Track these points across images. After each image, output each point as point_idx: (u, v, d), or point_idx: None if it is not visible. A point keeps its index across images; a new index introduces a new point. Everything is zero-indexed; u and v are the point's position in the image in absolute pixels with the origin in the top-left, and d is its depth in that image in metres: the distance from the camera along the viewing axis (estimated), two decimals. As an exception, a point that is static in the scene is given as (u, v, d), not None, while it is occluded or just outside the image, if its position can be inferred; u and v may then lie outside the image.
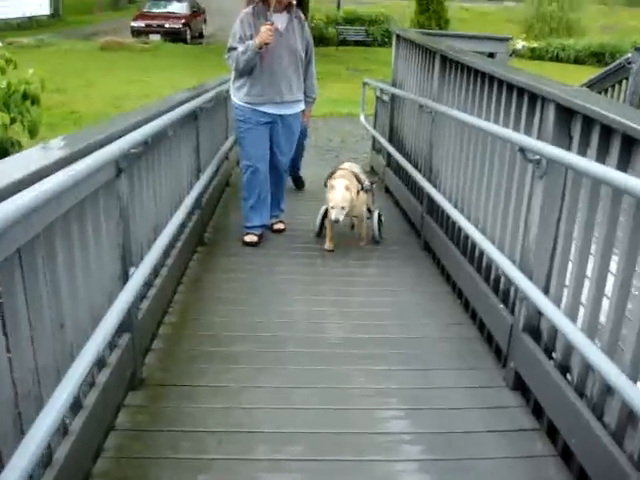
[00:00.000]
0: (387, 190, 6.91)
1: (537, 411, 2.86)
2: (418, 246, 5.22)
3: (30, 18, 27.91)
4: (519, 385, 3.05)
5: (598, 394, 2.36)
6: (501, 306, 3.29)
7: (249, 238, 5.12)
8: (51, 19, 30.65)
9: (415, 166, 5.45)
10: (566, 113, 2.60)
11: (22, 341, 1.86)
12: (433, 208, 4.87)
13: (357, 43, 25.26)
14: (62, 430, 2.16)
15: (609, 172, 2.07)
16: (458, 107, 4.17)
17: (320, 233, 5.21)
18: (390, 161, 6.80)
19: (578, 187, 2.55)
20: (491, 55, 6.99)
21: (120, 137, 2.59)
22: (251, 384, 3.10)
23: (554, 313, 2.56)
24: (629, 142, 2.19)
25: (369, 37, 25.53)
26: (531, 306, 2.88)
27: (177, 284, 4.17)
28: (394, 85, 6.64)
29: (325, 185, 4.90)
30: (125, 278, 2.78)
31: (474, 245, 3.80)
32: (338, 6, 27.33)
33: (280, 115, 4.92)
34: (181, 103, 4.03)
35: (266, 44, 4.57)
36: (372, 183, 5.31)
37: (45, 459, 2.01)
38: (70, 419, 2.23)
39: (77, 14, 33.41)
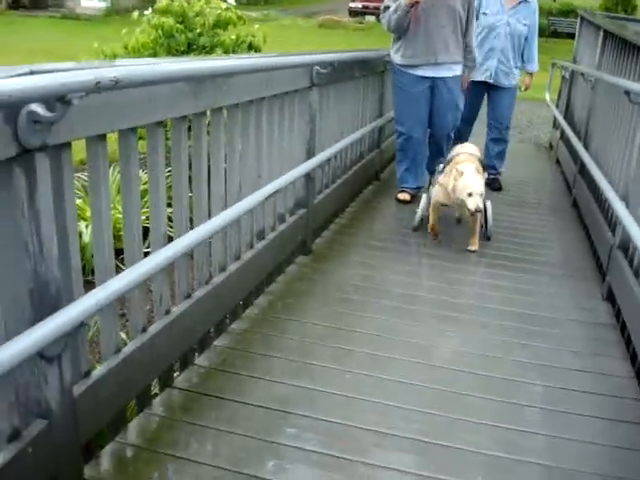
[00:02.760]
0: (557, 161, 7.45)
1: (618, 315, 3.48)
2: (569, 203, 5.79)
3: (259, -6, 30.64)
4: (611, 296, 3.66)
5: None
6: (609, 234, 3.90)
7: (402, 196, 5.22)
8: (278, -3, 33.36)
9: (577, 133, 5.99)
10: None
11: (234, 173, 2.88)
12: (584, 169, 5.42)
13: (569, 35, 24.85)
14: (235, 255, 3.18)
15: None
16: (609, 72, 4.74)
17: (418, 227, 4.60)
18: (563, 134, 7.31)
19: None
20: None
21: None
22: (389, 265, 4.00)
23: (634, 229, 3.16)
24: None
25: (583, 30, 25.02)
26: (624, 228, 3.49)
27: (350, 200, 5.12)
28: (574, 62, 7.15)
29: (431, 172, 5.02)
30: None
31: (601, 191, 4.39)
32: (555, -3, 27.02)
33: (440, 78, 4.79)
34: (370, 52, 4.98)
35: (417, 2, 4.45)
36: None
37: (236, 255, 3.03)
38: (255, 242, 3.25)
39: (302, -6, 35.88)
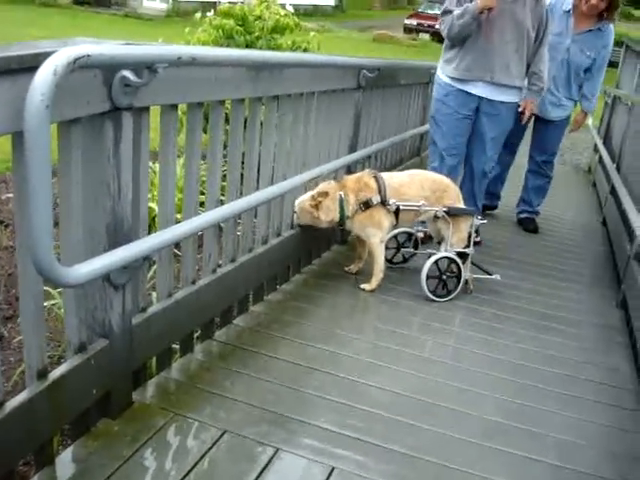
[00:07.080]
0: (594, 184, 7.66)
1: (629, 321, 3.71)
2: (598, 222, 6.01)
3: (315, 7, 31.29)
4: (624, 303, 3.89)
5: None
6: (628, 245, 4.13)
7: None
8: (334, 10, 34.12)
9: (612, 156, 6.21)
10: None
11: (282, 156, 3.20)
12: (615, 189, 5.63)
13: (623, 66, 24.94)
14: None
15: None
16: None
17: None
18: (601, 158, 7.51)
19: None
20: None
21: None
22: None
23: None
24: None
25: None
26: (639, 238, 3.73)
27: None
28: (617, 88, 7.36)
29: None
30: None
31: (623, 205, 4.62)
32: None
33: (488, 100, 4.15)
34: (416, 62, 5.28)
35: (488, 9, 3.89)
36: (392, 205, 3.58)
37: (277, 232, 3.35)
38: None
39: (358, 8, 36.60)
